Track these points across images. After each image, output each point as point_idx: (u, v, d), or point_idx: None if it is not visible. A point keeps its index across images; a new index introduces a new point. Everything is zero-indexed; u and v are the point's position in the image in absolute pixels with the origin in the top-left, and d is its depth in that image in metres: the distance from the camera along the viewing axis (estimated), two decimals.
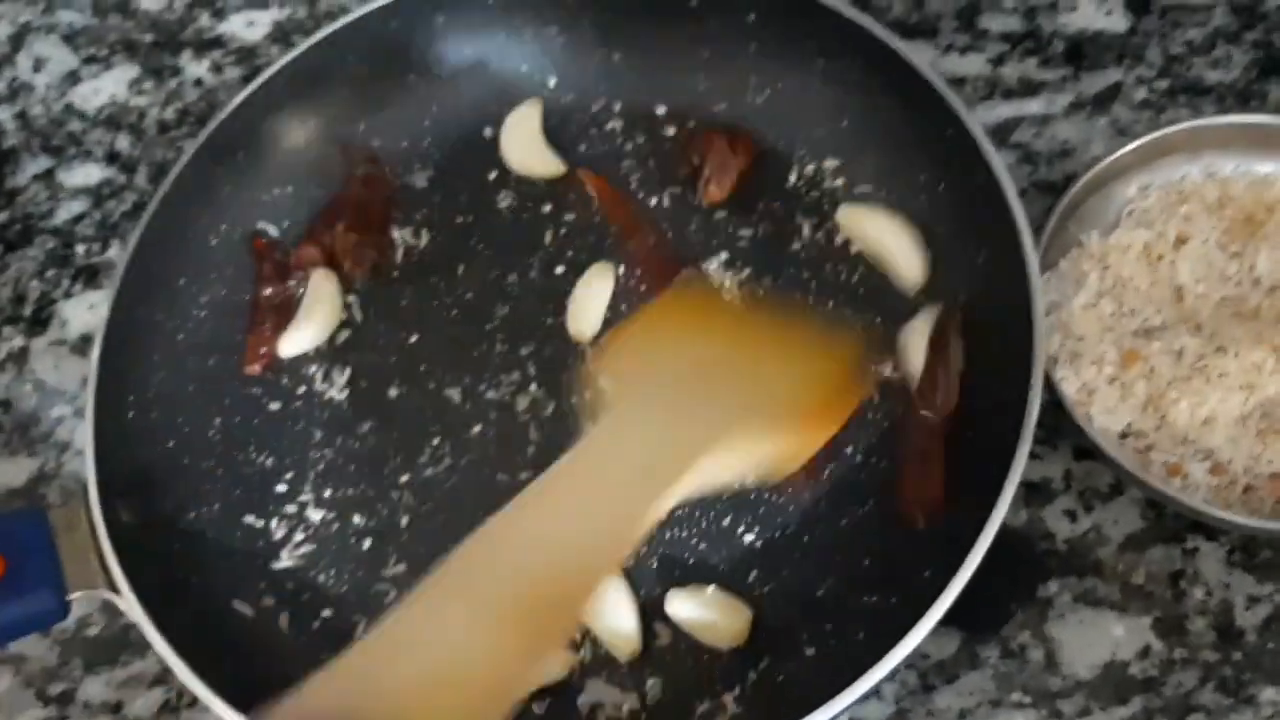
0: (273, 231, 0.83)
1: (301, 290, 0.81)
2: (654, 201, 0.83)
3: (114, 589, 0.67)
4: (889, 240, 0.78)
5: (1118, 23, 0.90)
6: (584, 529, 0.52)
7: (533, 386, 0.78)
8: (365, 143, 0.86)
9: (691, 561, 0.71)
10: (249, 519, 0.76)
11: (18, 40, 1.02)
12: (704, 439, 0.56)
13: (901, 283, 0.77)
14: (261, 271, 0.81)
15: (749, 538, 0.72)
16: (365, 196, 0.84)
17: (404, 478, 0.76)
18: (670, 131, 0.85)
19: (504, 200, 0.84)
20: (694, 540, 0.72)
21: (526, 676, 0.53)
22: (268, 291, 0.81)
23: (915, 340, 0.73)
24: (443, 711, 0.46)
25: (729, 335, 0.64)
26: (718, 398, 0.59)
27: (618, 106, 0.87)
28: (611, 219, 0.82)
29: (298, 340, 0.80)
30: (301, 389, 0.80)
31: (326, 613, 0.73)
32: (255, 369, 0.79)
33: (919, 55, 0.76)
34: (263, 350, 0.80)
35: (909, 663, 0.69)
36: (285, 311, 0.81)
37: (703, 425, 0.57)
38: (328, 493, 0.76)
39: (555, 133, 0.86)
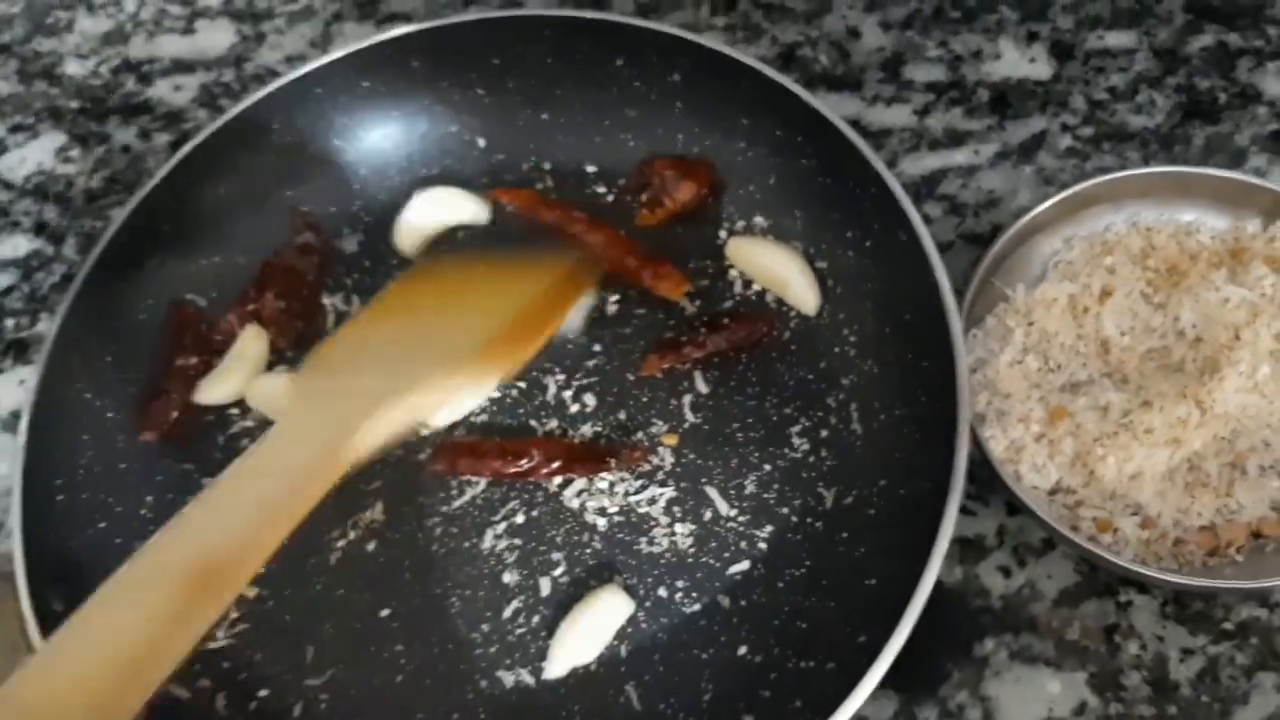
0: (200, 302, 0.82)
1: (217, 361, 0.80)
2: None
3: None
4: (779, 269, 0.79)
5: (1041, 70, 0.91)
6: (253, 498, 0.59)
7: None
8: (297, 207, 0.85)
9: (630, 631, 0.71)
10: None
11: None
12: (377, 395, 0.63)
13: (799, 308, 0.79)
14: (182, 340, 0.80)
15: (688, 606, 0.72)
16: (299, 264, 0.83)
17: (339, 546, 0.75)
18: (601, 189, 0.85)
19: None
20: (635, 611, 0.72)
21: (178, 639, 0.57)
22: (184, 362, 0.79)
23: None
24: (93, 670, 0.53)
25: (414, 305, 0.73)
26: (391, 359, 0.67)
27: (548, 165, 0.87)
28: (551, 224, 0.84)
29: (217, 391, 0.79)
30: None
31: (263, 693, 0.72)
32: (151, 436, 0.78)
33: (843, 108, 0.77)
34: (163, 418, 0.78)
35: None
36: (193, 382, 0.79)
37: (379, 383, 0.65)
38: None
39: (488, 191, 0.86)
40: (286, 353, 0.81)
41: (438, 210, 0.85)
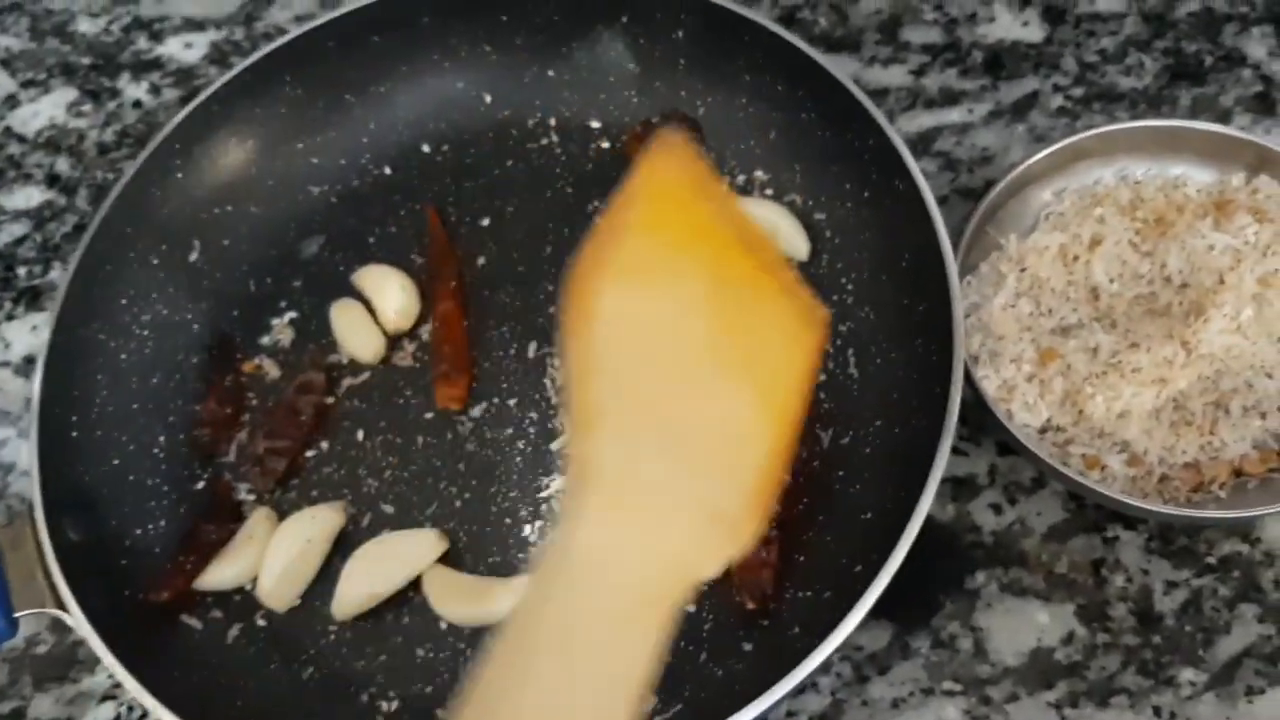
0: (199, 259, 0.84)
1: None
2: (586, 212, 0.85)
3: (62, 607, 0.67)
4: (765, 221, 0.81)
5: (1034, 33, 0.94)
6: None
7: None
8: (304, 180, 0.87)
9: None
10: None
11: None
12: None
13: (792, 254, 0.81)
14: (214, 509, 0.78)
15: None
16: (298, 404, 0.80)
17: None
18: (605, 145, 0.87)
19: None
20: None
21: None
22: (210, 527, 0.76)
23: None
24: None
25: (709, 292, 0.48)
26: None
27: (552, 120, 0.89)
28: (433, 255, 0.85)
29: (219, 577, 0.75)
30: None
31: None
32: (164, 596, 0.73)
33: (842, 68, 0.79)
34: (179, 581, 0.74)
35: (843, 655, 0.72)
36: (211, 552, 0.75)
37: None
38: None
39: (491, 148, 0.88)
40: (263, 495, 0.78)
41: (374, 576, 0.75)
